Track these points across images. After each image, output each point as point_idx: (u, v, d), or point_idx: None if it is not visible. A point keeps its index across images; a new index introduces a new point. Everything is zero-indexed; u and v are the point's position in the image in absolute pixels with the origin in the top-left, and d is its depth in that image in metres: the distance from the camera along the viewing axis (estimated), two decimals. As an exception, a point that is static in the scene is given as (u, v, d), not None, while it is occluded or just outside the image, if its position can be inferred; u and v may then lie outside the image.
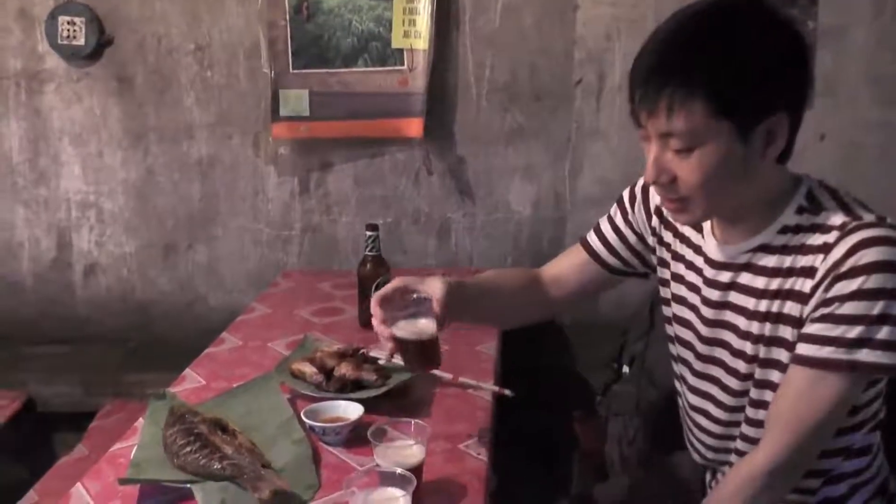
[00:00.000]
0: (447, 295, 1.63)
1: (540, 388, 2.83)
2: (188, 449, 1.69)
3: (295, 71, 3.11)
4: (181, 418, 1.79)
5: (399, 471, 1.51)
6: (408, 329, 1.65)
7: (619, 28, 3.05)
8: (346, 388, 2.00)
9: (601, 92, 3.09)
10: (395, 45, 3.06)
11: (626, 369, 2.67)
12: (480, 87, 3.12)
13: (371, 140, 3.16)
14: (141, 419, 1.92)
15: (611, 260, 1.84)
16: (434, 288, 1.64)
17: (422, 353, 1.68)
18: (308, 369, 2.05)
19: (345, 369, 2.02)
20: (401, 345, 1.66)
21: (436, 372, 2.10)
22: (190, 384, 2.16)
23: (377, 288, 2.43)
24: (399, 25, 3.05)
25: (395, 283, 1.68)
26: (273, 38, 3.10)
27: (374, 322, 1.66)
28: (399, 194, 3.21)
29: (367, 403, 1.91)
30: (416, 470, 1.59)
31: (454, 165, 3.17)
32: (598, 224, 1.87)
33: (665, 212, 1.70)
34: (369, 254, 2.48)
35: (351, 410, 1.87)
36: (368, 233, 2.48)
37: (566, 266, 1.91)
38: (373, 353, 2.15)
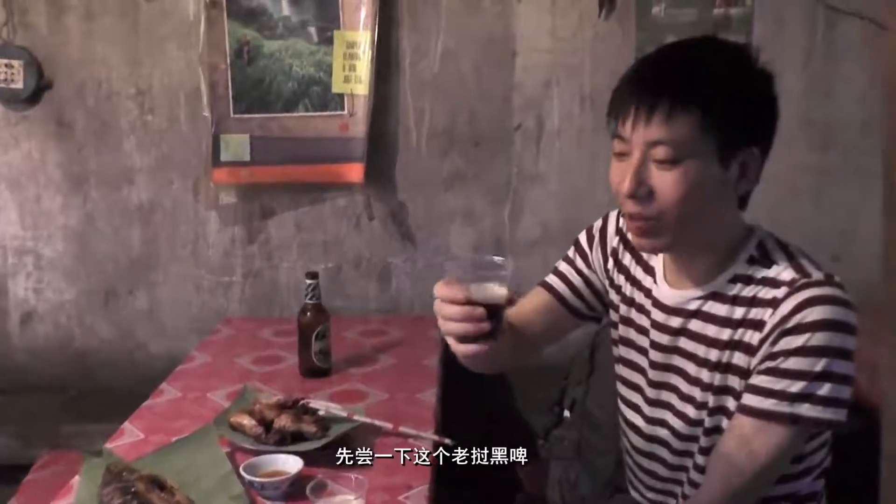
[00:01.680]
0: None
1: (482, 431, 2.84)
2: (124, 508, 1.68)
3: (236, 115, 3.11)
4: (118, 476, 1.77)
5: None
6: (478, 293, 1.46)
7: (557, 75, 3.09)
8: (286, 440, 1.99)
9: (540, 137, 3.13)
10: (335, 89, 3.08)
11: (566, 413, 2.68)
12: (420, 132, 3.15)
13: (312, 185, 3.16)
14: (77, 477, 1.89)
15: (577, 303, 1.84)
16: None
17: (490, 315, 1.46)
18: (247, 422, 2.04)
19: (284, 421, 2.01)
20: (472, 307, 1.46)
21: (376, 422, 2.11)
22: (128, 438, 2.13)
23: (317, 336, 2.47)
24: (339, 70, 3.07)
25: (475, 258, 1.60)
26: (214, 81, 3.10)
27: (440, 286, 1.48)
28: (340, 239, 3.22)
29: (307, 456, 1.90)
30: (356, 525, 1.60)
31: (395, 210, 3.19)
32: (558, 268, 1.86)
33: (620, 251, 1.75)
34: (309, 302, 2.48)
35: (290, 464, 1.86)
36: (308, 281, 2.48)
37: (531, 310, 1.86)
38: (312, 404, 2.14)
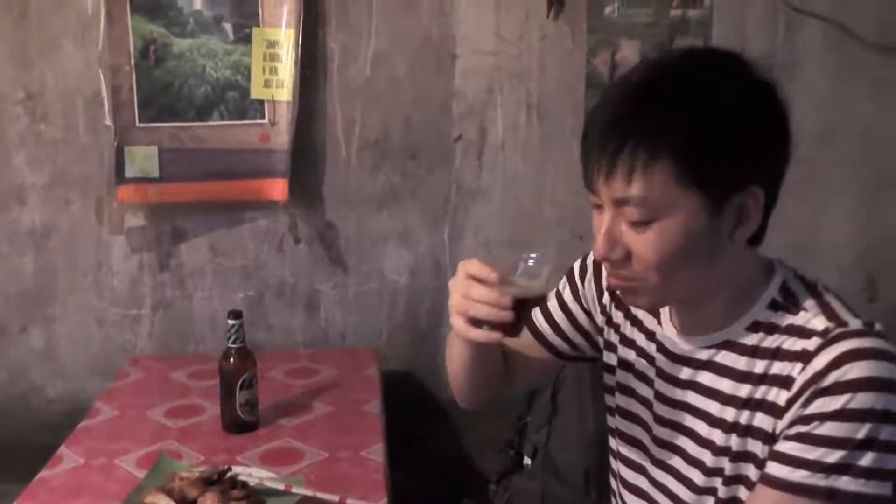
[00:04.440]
0: None
1: (425, 475, 2.60)
2: None
3: (142, 124, 2.74)
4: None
5: None
6: (513, 281, 1.34)
7: (501, 80, 2.82)
8: (213, 524, 1.69)
9: (483, 149, 2.85)
10: (254, 95, 2.75)
11: (527, 461, 2.44)
12: (350, 144, 2.84)
13: (229, 204, 2.82)
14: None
15: (558, 342, 1.63)
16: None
17: (521, 308, 1.33)
18: (165, 502, 1.72)
19: (210, 501, 1.73)
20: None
21: (318, 494, 1.81)
22: (19, 527, 1.79)
23: (242, 386, 2.15)
24: (259, 73, 2.74)
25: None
26: (116, 85, 2.73)
27: (475, 262, 1.32)
28: (261, 264, 2.88)
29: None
30: None
31: (322, 231, 2.87)
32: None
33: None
34: (233, 346, 2.16)
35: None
36: (231, 321, 2.16)
37: (513, 345, 1.65)
38: (241, 476, 1.83)
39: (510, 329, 1.32)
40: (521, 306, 1.31)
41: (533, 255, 1.35)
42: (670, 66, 1.27)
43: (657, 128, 1.18)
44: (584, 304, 1.61)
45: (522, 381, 1.73)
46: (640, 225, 1.21)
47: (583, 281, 1.61)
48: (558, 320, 1.63)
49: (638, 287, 1.28)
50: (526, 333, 1.64)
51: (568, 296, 1.63)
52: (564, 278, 1.64)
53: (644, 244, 1.22)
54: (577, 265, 1.63)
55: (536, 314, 1.64)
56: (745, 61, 1.25)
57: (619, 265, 1.27)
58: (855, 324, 1.24)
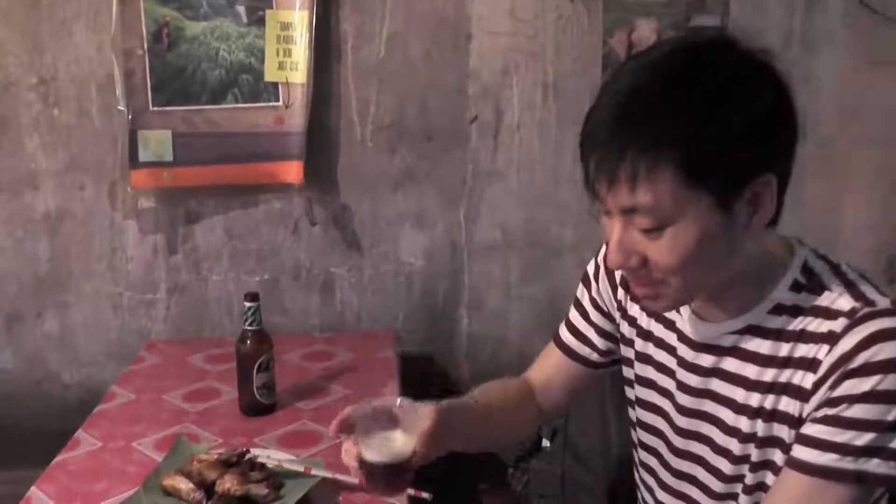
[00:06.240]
0: (435, 427, 1.36)
1: (442, 458, 2.57)
2: None
3: (155, 108, 2.72)
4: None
5: None
6: (381, 448, 1.37)
7: (516, 60, 2.79)
8: (232, 506, 1.67)
9: (498, 130, 2.83)
10: (268, 77, 2.72)
11: (546, 443, 2.42)
12: (365, 126, 2.82)
13: (244, 187, 2.80)
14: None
15: (586, 352, 1.62)
16: (423, 419, 1.37)
17: (391, 475, 1.38)
18: (184, 485, 1.72)
19: (229, 483, 1.71)
20: (368, 467, 1.38)
21: (339, 476, 1.80)
22: (38, 508, 1.78)
23: (259, 368, 2.13)
24: (273, 56, 2.71)
25: (379, 402, 1.42)
26: (129, 69, 2.70)
27: (345, 448, 1.43)
28: (276, 247, 2.87)
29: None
30: None
31: (337, 214, 2.85)
32: (568, 314, 1.65)
33: None
34: (249, 328, 2.15)
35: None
36: (247, 304, 2.15)
37: (547, 369, 1.68)
38: (260, 458, 1.82)
39: (394, 487, 1.44)
40: (392, 468, 1.36)
41: (392, 407, 1.39)
42: (659, 67, 1.19)
43: (656, 135, 1.13)
44: (602, 305, 1.59)
45: (559, 402, 1.72)
46: (653, 231, 1.18)
47: (596, 280, 1.59)
48: (581, 329, 1.62)
49: (660, 291, 1.25)
50: (556, 353, 1.66)
51: (586, 301, 1.62)
52: (580, 282, 1.64)
53: (660, 250, 1.19)
54: (590, 267, 1.62)
55: (563, 330, 1.65)
56: (735, 47, 1.18)
57: (637, 272, 1.24)
58: (883, 303, 1.21)
